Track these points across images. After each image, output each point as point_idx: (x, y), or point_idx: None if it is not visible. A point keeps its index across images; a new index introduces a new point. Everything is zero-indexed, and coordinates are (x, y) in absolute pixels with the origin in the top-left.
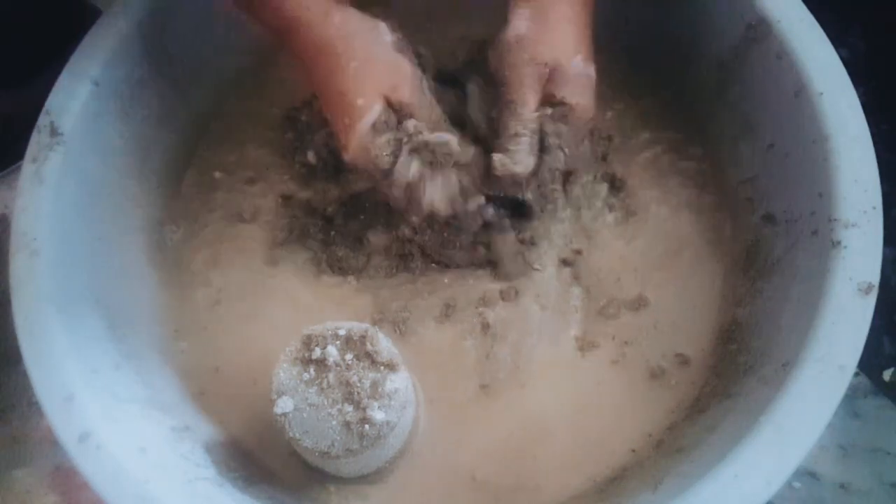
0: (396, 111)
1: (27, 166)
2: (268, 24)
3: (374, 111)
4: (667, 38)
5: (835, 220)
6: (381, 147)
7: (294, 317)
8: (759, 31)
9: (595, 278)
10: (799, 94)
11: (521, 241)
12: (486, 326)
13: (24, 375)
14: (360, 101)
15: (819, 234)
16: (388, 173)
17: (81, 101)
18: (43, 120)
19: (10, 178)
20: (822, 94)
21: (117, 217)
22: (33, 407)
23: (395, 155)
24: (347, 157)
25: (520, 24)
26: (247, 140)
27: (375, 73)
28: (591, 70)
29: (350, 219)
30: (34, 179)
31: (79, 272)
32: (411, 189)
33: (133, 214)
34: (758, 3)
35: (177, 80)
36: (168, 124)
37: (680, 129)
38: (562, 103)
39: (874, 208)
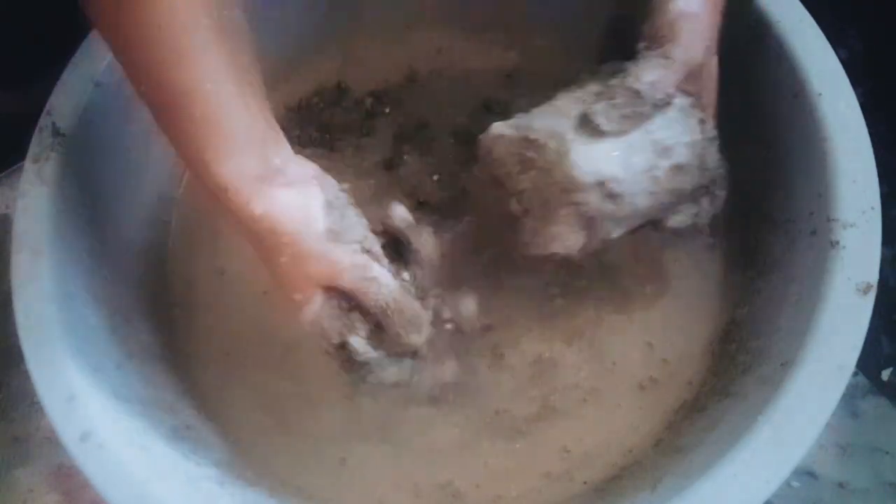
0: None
1: (29, 166)
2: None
3: (314, 304)
4: None
5: (833, 220)
6: (333, 329)
7: None
8: (758, 32)
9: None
10: (798, 94)
11: None
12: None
13: (26, 375)
14: (297, 296)
15: (818, 235)
16: (340, 347)
17: (83, 101)
18: (44, 120)
19: (12, 178)
20: (820, 94)
21: (118, 217)
22: (35, 406)
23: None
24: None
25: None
26: None
27: (306, 270)
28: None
29: None
30: (36, 179)
31: (80, 272)
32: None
33: (134, 214)
34: (757, 3)
35: None
36: None
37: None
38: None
39: (872, 208)
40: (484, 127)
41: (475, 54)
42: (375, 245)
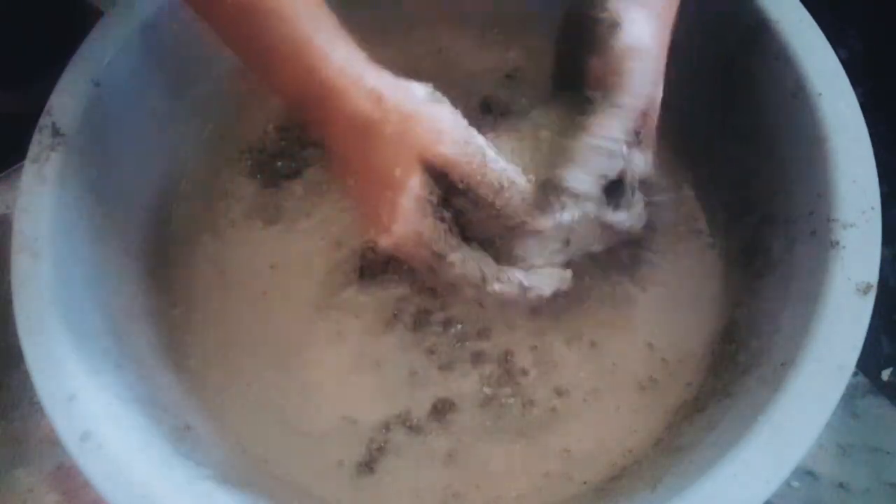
0: (440, 173)
1: (28, 166)
2: (292, 91)
3: (414, 181)
4: None
5: (833, 220)
6: (433, 228)
7: (305, 311)
8: (758, 32)
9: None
10: (797, 94)
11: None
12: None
13: (26, 375)
14: (397, 172)
15: (817, 235)
16: (442, 259)
17: (83, 101)
18: (44, 120)
19: (12, 178)
20: (820, 94)
21: (118, 217)
22: (35, 406)
23: (451, 235)
24: (390, 242)
25: (638, 30)
26: (251, 139)
27: (412, 134)
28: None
29: None
30: (35, 180)
31: (80, 272)
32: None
33: (134, 214)
34: (756, 3)
35: (179, 80)
36: (170, 124)
37: (677, 131)
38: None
39: (872, 209)
40: (484, 126)
41: (475, 54)
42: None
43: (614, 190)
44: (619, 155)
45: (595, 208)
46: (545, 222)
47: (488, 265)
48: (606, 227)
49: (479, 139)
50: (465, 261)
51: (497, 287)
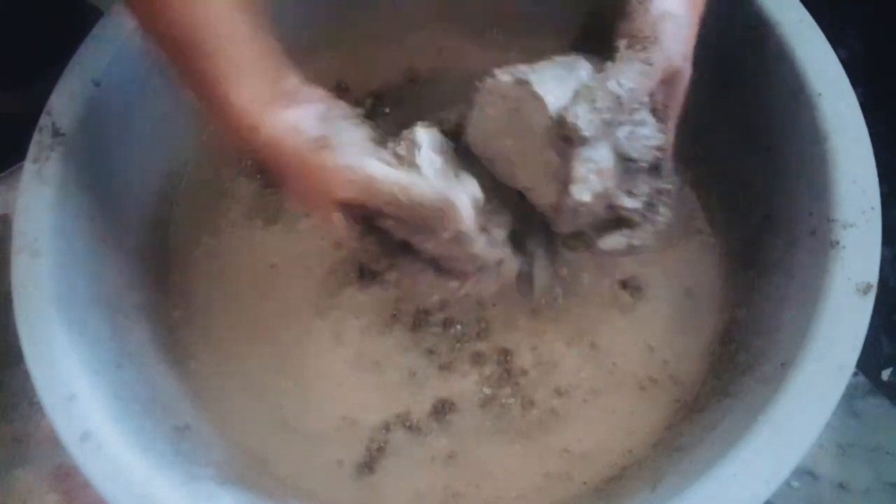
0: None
1: (28, 166)
2: (216, 123)
3: (337, 219)
4: None
5: (833, 220)
6: (364, 251)
7: (305, 311)
8: (758, 32)
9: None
10: (798, 94)
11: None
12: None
13: (26, 375)
14: (319, 209)
15: (818, 235)
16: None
17: (82, 101)
18: (44, 120)
19: (12, 178)
20: (820, 94)
21: (118, 217)
22: (35, 406)
23: (384, 256)
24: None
25: (670, 1)
26: None
27: (313, 184)
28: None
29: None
30: (35, 179)
31: (80, 272)
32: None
33: (134, 214)
34: (757, 4)
35: None
36: (169, 124)
37: (677, 131)
38: (663, 110)
39: (872, 209)
40: None
41: (475, 54)
42: (382, 146)
43: (635, 174)
44: (626, 104)
45: (613, 186)
46: (453, 226)
47: (425, 277)
48: (610, 209)
49: (368, 169)
50: (398, 279)
51: (436, 298)
